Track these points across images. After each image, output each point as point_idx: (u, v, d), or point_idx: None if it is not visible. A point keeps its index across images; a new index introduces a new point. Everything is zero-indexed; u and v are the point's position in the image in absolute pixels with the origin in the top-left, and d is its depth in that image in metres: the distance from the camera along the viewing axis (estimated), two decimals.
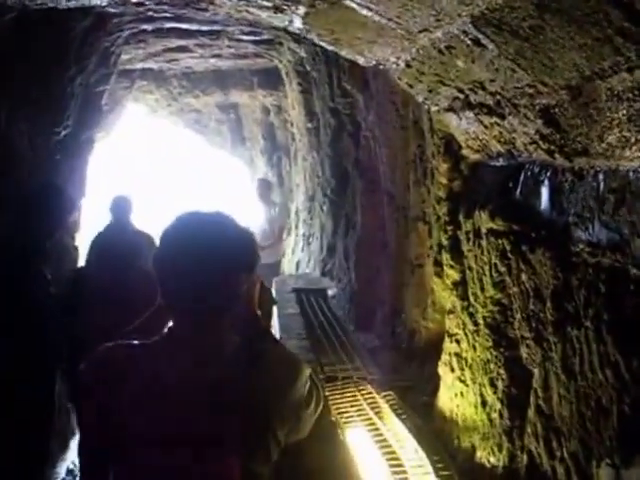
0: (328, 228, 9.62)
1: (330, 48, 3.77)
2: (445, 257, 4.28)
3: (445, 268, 4.31)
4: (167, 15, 7.22)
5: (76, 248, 7.52)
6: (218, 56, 10.44)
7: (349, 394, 5.17)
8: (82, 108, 6.70)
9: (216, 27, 8.34)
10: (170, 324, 1.80)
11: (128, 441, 1.66)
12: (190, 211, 1.83)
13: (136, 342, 1.80)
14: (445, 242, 4.28)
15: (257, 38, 9.36)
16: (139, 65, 10.29)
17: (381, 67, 3.67)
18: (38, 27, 4.95)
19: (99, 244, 5.66)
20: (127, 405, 1.66)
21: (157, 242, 1.86)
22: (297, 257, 12.11)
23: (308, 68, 9.56)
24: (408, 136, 6.26)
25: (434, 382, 4.91)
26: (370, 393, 5.17)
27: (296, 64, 10.07)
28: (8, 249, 4.20)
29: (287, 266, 12.19)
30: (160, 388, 1.68)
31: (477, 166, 3.96)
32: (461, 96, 3.26)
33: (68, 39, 5.71)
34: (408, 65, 3.36)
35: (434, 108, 3.74)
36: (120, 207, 6.86)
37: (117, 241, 5.36)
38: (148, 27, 7.76)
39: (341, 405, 4.93)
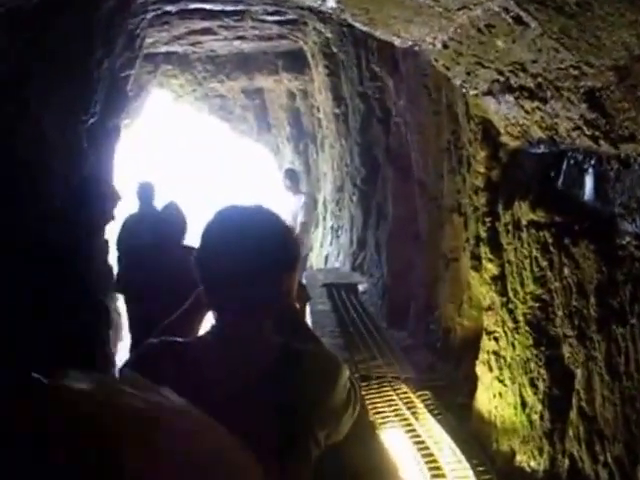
0: (358, 220, 9.62)
1: (364, 28, 3.76)
2: (483, 250, 4.26)
3: (483, 262, 4.29)
4: None
5: (106, 242, 7.66)
6: (242, 38, 10.51)
7: (384, 393, 5.20)
8: (108, 94, 6.78)
9: (240, 7, 8.40)
10: (211, 322, 1.83)
11: None
12: (231, 206, 1.85)
13: (179, 339, 1.84)
14: (483, 234, 4.26)
15: (281, 18, 9.40)
16: (163, 49, 10.42)
17: (416, 48, 3.66)
18: (64, 7, 5.02)
19: (130, 227, 6.46)
20: None
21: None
22: (326, 251, 12.13)
23: (335, 50, 9.54)
24: (441, 122, 6.23)
25: (470, 382, 4.90)
26: (405, 393, 5.19)
27: (322, 45, 10.06)
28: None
29: (315, 260, 12.22)
30: (203, 386, 1.71)
31: (517, 154, 3.93)
32: (501, 78, 3.23)
33: (94, 20, 5.77)
34: (445, 46, 3.34)
35: (472, 92, 3.71)
36: (145, 191, 7.30)
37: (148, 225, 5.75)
38: (172, 8, 7.85)
39: (377, 405, 4.96)
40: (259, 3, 8.41)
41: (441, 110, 6.21)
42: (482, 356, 4.37)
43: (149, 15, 7.99)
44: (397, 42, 3.71)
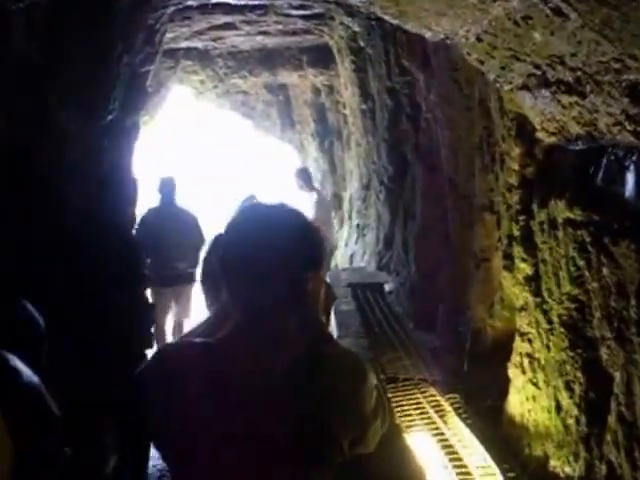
0: (385, 218, 9.61)
1: (394, 22, 3.77)
2: (517, 250, 4.24)
3: (516, 262, 4.27)
4: None
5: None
6: (265, 33, 10.52)
7: (411, 396, 5.19)
8: (127, 90, 6.82)
9: (264, 1, 8.41)
10: (233, 322, 1.82)
11: (188, 442, 1.70)
12: (255, 204, 1.86)
13: (198, 340, 1.84)
14: (517, 233, 4.25)
15: (306, 12, 9.39)
16: (183, 44, 10.45)
17: (448, 42, 3.66)
18: (82, 1, 5.07)
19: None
20: (189, 405, 1.70)
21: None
22: (351, 249, 12.13)
23: (362, 44, 9.54)
24: (473, 118, 6.22)
25: (501, 385, 4.89)
26: (433, 395, 5.18)
27: (349, 40, 10.07)
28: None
29: (340, 259, 12.23)
30: (222, 388, 1.71)
31: (553, 150, 3.91)
32: (537, 72, 3.23)
33: (113, 13, 5.81)
34: (479, 39, 3.34)
35: (506, 86, 3.70)
36: (167, 187, 7.41)
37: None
38: (193, 3, 7.89)
39: (403, 407, 4.95)
40: None
41: (473, 106, 6.19)
42: (515, 358, 4.36)
43: (169, 10, 8.01)
44: (428, 35, 3.71)
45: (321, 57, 12.06)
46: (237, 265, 1.78)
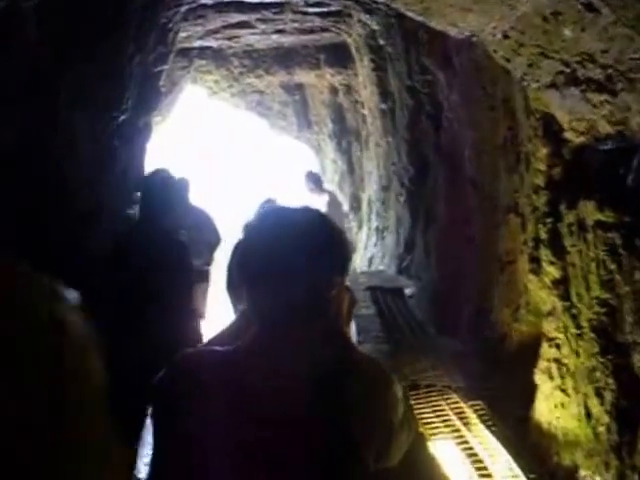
0: (405, 221, 9.59)
1: (418, 18, 3.75)
2: (544, 253, 4.21)
3: (544, 265, 4.24)
4: None
5: None
6: (281, 31, 10.55)
7: (434, 403, 5.17)
8: (140, 90, 6.84)
9: None
10: (254, 330, 1.75)
11: (206, 453, 1.65)
12: (275, 207, 1.84)
13: (218, 348, 1.80)
14: (544, 236, 4.21)
15: (324, 10, 9.41)
16: (197, 43, 10.49)
17: (474, 39, 3.64)
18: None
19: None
20: (205, 415, 1.66)
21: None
22: (370, 252, 12.12)
23: (382, 42, 9.53)
24: (497, 117, 6.19)
25: (527, 391, 4.85)
26: (456, 402, 5.15)
27: (368, 38, 10.06)
28: None
29: (359, 262, 12.21)
30: (240, 400, 1.66)
31: (581, 150, 3.88)
32: (566, 70, 3.20)
33: (127, 13, 5.84)
34: (506, 36, 3.32)
35: (534, 85, 3.68)
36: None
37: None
38: (208, 1, 7.90)
39: (426, 415, 4.93)
40: None
41: (497, 105, 6.16)
42: (542, 364, 4.33)
43: (183, 8, 8.05)
44: (453, 33, 3.70)
45: (339, 56, 12.08)
46: (257, 270, 1.72)
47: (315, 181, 9.92)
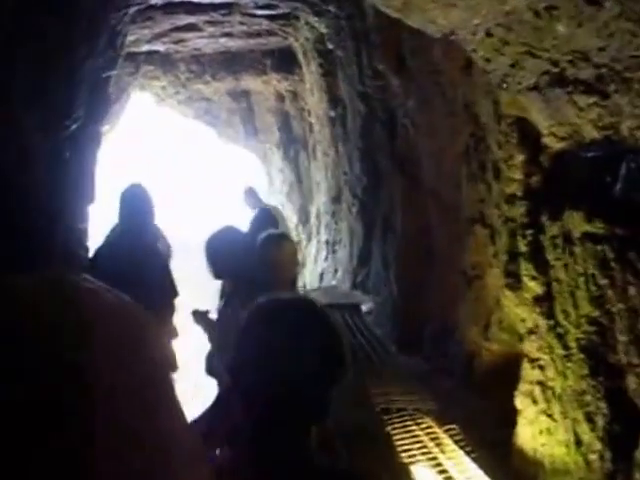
0: (359, 233, 9.39)
1: (394, 15, 3.54)
2: (524, 267, 4.03)
3: (524, 280, 4.06)
4: None
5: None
6: (229, 35, 10.34)
7: (407, 428, 5.00)
8: (89, 96, 6.52)
9: None
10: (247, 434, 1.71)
11: None
12: (274, 300, 1.78)
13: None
14: (523, 249, 4.04)
15: (272, 12, 9.24)
16: (145, 47, 10.22)
17: (452, 37, 3.45)
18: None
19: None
20: None
21: None
22: (320, 267, 11.90)
23: (331, 46, 9.34)
24: (458, 124, 6.04)
25: (504, 414, 4.68)
26: (430, 427, 4.97)
27: (316, 42, 9.87)
28: None
29: (309, 278, 11.98)
30: None
31: (562, 157, 3.72)
32: (553, 70, 3.03)
33: (77, 13, 5.53)
34: (489, 33, 3.13)
35: (514, 87, 3.50)
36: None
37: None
38: (157, 1, 7.64)
39: (400, 442, 4.73)
40: None
41: (457, 111, 6.01)
42: (523, 386, 4.15)
43: (132, 10, 7.76)
44: (430, 30, 3.50)
45: (285, 61, 11.91)
46: (252, 387, 1.66)
47: (252, 196, 9.54)
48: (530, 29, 2.81)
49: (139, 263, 4.32)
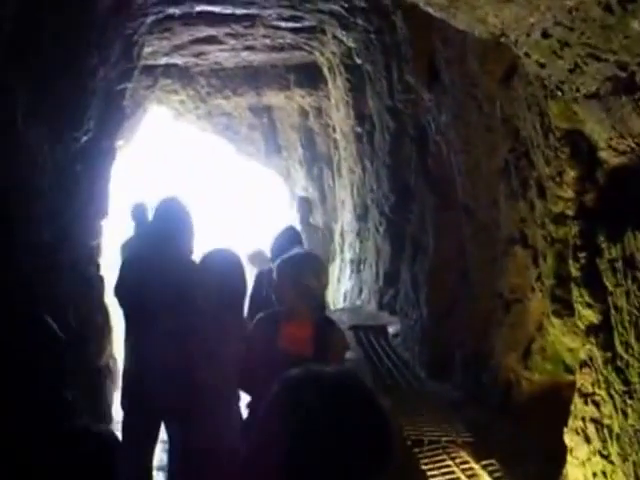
0: (386, 252, 9.08)
1: (437, 14, 3.25)
2: (577, 293, 3.69)
3: (577, 307, 3.72)
4: None
5: (102, 279, 7.19)
6: (251, 48, 10.09)
7: (440, 463, 4.67)
8: (103, 108, 6.27)
9: (252, 10, 7.97)
10: None
11: None
12: (304, 372, 1.56)
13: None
14: (576, 273, 3.69)
15: (297, 25, 8.98)
16: (163, 60, 9.98)
17: (502, 39, 3.14)
18: (55, 3, 4.55)
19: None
20: None
21: None
22: (344, 287, 11.59)
23: (359, 61, 9.08)
24: (495, 139, 5.73)
25: (546, 449, 4.36)
26: (466, 462, 4.64)
27: (343, 56, 9.61)
28: None
29: (331, 296, 11.66)
30: None
31: (621, 173, 3.39)
32: (621, 75, 2.70)
33: (88, 20, 5.27)
34: (546, 34, 2.82)
35: (571, 95, 3.18)
36: (140, 212, 6.10)
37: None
38: (175, 11, 7.41)
39: (433, 477, 4.41)
40: (274, 6, 7.96)
41: (495, 125, 5.70)
42: (574, 423, 3.79)
43: (149, 19, 7.53)
44: (478, 30, 3.19)
45: (309, 76, 11.67)
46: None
47: (304, 209, 9.12)
48: (596, 27, 2.50)
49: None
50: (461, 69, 6.13)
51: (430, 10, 3.21)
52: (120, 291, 4.75)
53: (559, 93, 3.26)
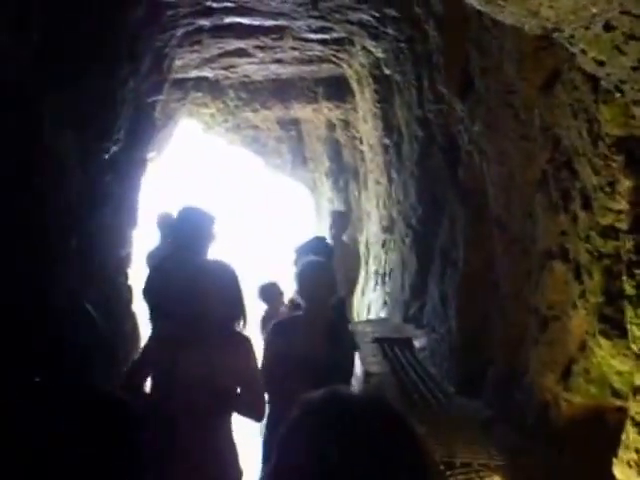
0: (412, 264, 8.67)
1: (481, 7, 2.88)
2: (632, 313, 3.28)
3: (631, 328, 3.31)
4: (228, 5, 6.56)
5: (130, 288, 6.95)
6: (280, 61, 9.80)
7: None
8: (133, 120, 6.03)
9: (281, 21, 7.65)
10: None
11: None
12: (329, 394, 1.41)
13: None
14: (631, 291, 3.29)
15: (326, 36, 8.69)
16: (193, 73, 9.76)
17: (555, 35, 2.75)
18: (83, 10, 4.28)
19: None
20: None
21: None
22: (368, 298, 11.20)
23: (388, 71, 8.71)
24: (532, 149, 5.32)
25: (591, 477, 3.94)
26: None
27: (372, 67, 9.26)
28: None
29: (355, 308, 11.29)
30: None
31: None
32: None
33: (119, 30, 5.01)
34: (609, 26, 2.43)
35: (632, 96, 2.78)
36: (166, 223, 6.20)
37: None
38: (206, 23, 7.17)
39: None
40: (303, 17, 7.63)
41: (532, 134, 5.29)
42: (627, 454, 3.38)
43: (179, 32, 7.28)
44: (528, 26, 2.80)
45: (337, 89, 11.37)
46: None
47: (340, 223, 8.62)
48: None
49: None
50: (497, 77, 5.75)
51: (474, 3, 2.83)
52: (146, 298, 4.91)
53: (618, 94, 2.85)
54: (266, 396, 4.22)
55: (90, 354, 2.73)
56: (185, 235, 4.86)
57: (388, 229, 10.16)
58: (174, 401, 3.53)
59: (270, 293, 8.01)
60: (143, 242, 7.31)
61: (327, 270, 4.70)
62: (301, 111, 11.80)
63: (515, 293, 5.79)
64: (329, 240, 8.10)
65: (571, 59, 4.01)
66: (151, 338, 4.33)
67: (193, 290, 3.67)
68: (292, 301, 7.69)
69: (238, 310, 3.84)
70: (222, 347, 3.68)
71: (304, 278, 4.51)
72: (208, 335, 3.67)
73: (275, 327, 4.69)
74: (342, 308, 7.24)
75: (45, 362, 2.59)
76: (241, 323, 3.86)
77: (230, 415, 3.80)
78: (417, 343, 8.03)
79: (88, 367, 2.71)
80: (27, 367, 2.68)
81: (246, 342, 3.82)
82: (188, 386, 3.51)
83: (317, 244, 7.74)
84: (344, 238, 8.84)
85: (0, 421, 2.44)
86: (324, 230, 9.23)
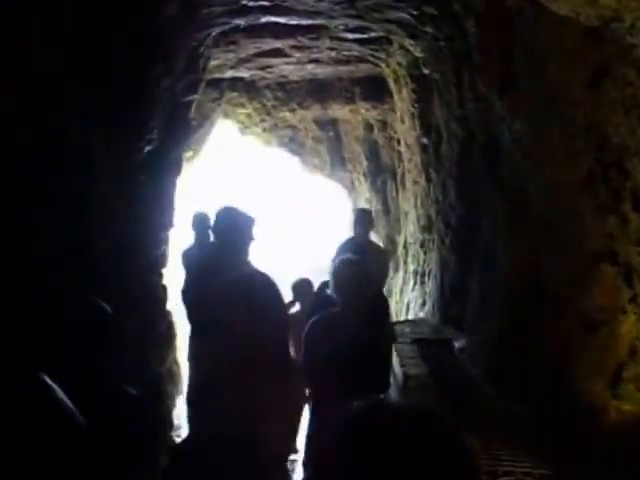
0: (451, 264, 8.42)
1: None
2: None
3: None
4: (264, 4, 6.35)
5: (165, 288, 6.85)
6: (316, 61, 9.61)
7: None
8: (168, 120, 5.89)
9: (318, 20, 7.47)
10: None
11: None
12: (376, 404, 1.36)
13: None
14: None
15: (364, 36, 8.49)
16: (229, 73, 9.60)
17: (613, 25, 2.51)
18: (118, 11, 4.13)
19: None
20: None
21: None
22: (406, 298, 10.97)
23: (426, 71, 8.47)
24: (578, 148, 5.06)
25: None
26: None
27: (410, 67, 9.02)
28: None
29: (394, 308, 11.06)
30: None
31: None
32: None
33: (153, 28, 4.86)
34: None
35: None
36: (201, 222, 6.26)
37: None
38: (240, 22, 6.98)
39: None
40: (340, 16, 7.41)
41: (577, 133, 5.03)
42: None
43: (214, 31, 7.12)
44: (584, 16, 2.59)
45: (374, 90, 11.16)
46: None
47: (363, 222, 8.16)
48: None
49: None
50: (541, 75, 5.49)
51: None
52: (185, 300, 5.07)
53: None
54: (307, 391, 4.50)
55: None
56: (226, 236, 4.80)
57: (426, 229, 9.93)
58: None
59: (302, 290, 7.82)
60: (179, 241, 7.22)
61: (360, 266, 4.75)
62: (339, 111, 11.60)
63: (559, 296, 5.53)
64: (354, 238, 7.88)
65: (622, 54, 3.77)
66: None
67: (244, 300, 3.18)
68: (292, 301, 7.57)
69: (285, 331, 3.34)
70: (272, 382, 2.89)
71: (338, 275, 4.61)
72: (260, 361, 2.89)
73: (313, 325, 4.72)
74: (379, 302, 7.11)
75: None
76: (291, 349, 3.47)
77: None
78: (457, 344, 7.79)
79: None
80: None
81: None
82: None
83: (352, 243, 7.56)
84: (372, 237, 8.54)
85: None
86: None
